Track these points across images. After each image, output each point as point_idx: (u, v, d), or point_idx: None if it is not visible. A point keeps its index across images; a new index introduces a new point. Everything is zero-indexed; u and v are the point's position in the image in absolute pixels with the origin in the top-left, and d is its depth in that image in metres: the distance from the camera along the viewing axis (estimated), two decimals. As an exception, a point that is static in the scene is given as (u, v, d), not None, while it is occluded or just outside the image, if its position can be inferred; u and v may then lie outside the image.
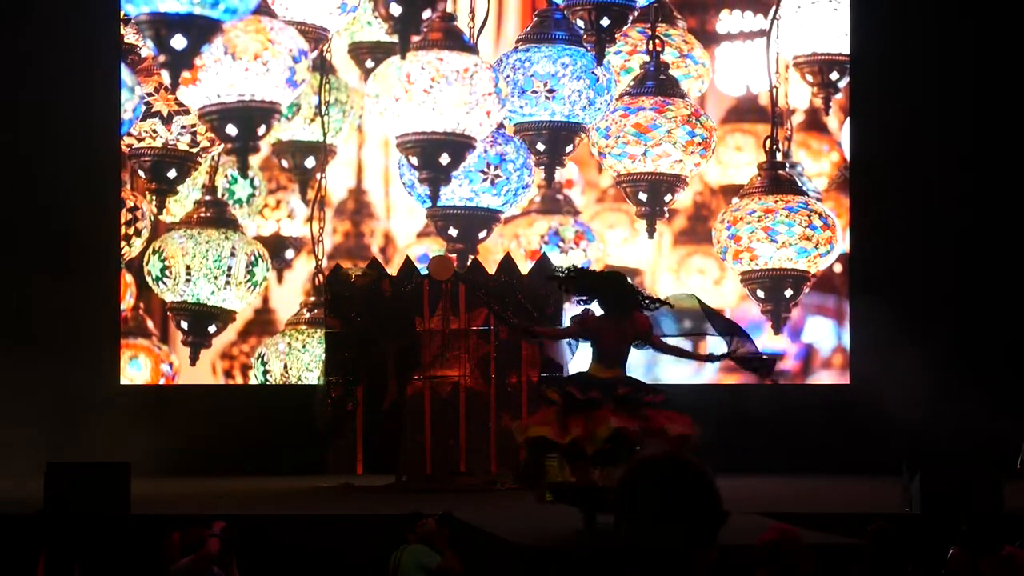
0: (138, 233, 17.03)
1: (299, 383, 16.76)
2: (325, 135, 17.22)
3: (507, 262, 15.01)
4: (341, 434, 14.72)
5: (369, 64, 17.25)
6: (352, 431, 14.70)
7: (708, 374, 17.96)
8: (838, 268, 17.60)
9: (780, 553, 6.68)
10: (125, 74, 16.47)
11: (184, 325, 16.82)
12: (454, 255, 15.84)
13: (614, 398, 10.74)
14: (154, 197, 16.85)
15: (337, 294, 14.90)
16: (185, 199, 17.09)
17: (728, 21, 18.10)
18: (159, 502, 12.82)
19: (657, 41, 16.58)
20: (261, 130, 15.90)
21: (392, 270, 15.15)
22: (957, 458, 14.18)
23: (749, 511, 11.98)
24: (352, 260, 16.82)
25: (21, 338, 16.27)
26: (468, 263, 15.46)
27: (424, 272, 14.85)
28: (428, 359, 14.61)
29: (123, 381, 17.06)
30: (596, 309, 11.20)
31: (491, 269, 15.05)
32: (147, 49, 15.85)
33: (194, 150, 16.65)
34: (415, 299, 14.68)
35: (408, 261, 15.20)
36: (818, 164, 18.14)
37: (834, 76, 17.40)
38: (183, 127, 16.55)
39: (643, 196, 16.44)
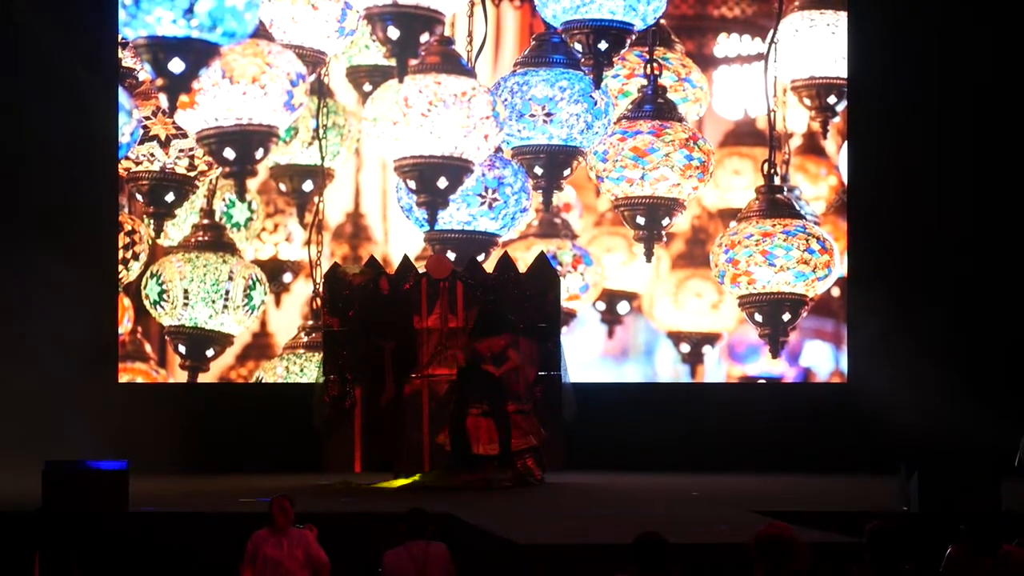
0: (136, 257, 17.02)
1: (297, 382, 16.84)
2: (323, 158, 17.23)
3: (505, 260, 15.07)
4: (339, 432, 14.72)
5: (367, 87, 17.28)
6: (350, 429, 14.71)
7: (708, 374, 17.95)
8: (836, 292, 17.61)
9: (774, 550, 6.70)
10: (123, 98, 16.47)
11: (182, 349, 16.82)
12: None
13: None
14: (152, 221, 16.86)
15: (335, 292, 14.93)
16: (183, 223, 17.09)
17: (726, 45, 18.13)
18: (157, 500, 12.84)
19: (655, 65, 16.59)
20: (259, 153, 15.90)
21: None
22: (955, 457, 14.20)
23: (746, 509, 12.02)
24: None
25: (20, 347, 16.31)
26: (466, 261, 15.46)
27: (422, 270, 14.91)
28: (426, 357, 14.63)
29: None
30: None
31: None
32: (145, 73, 15.86)
33: (192, 174, 16.67)
34: (413, 297, 14.72)
35: (406, 259, 15.21)
36: (816, 188, 18.15)
37: (832, 100, 17.42)
38: (181, 151, 16.56)
39: (641, 220, 16.44)
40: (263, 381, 17.19)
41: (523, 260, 17.28)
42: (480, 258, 16.11)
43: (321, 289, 15.95)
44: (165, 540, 11.57)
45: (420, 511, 10.05)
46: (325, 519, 11.28)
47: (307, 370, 16.86)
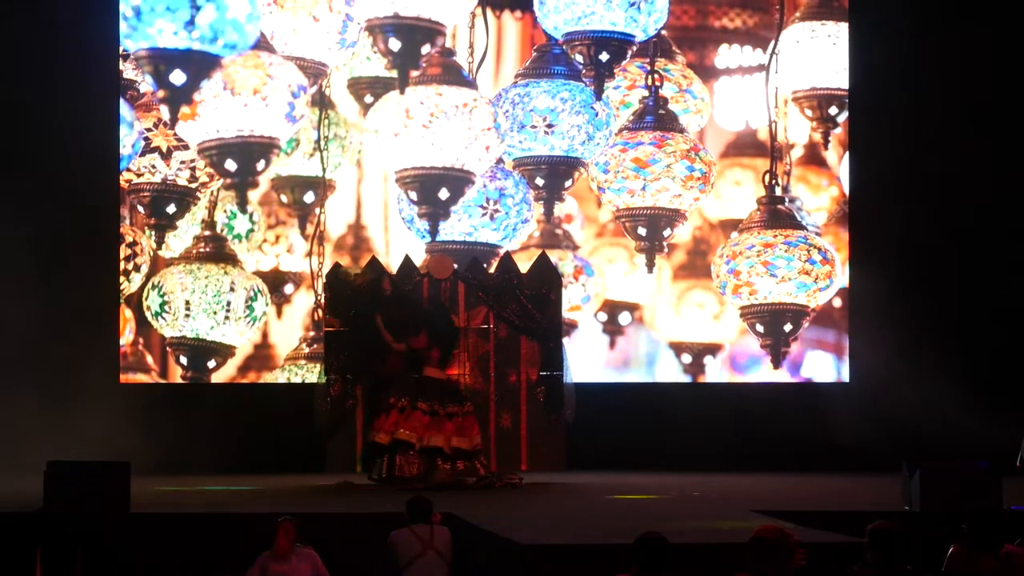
0: (137, 268, 17.04)
1: (298, 382, 16.89)
2: (324, 170, 17.25)
3: (506, 261, 15.10)
4: (340, 432, 14.75)
5: (368, 99, 17.29)
6: (351, 429, 14.73)
7: (708, 372, 17.94)
8: (837, 302, 17.61)
9: (770, 551, 6.71)
10: (124, 109, 16.50)
11: (183, 360, 16.83)
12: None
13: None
14: (153, 232, 16.88)
15: (337, 293, 14.95)
16: (184, 234, 17.10)
17: (727, 56, 18.13)
18: (159, 501, 12.85)
19: (656, 76, 16.62)
20: (260, 165, 15.92)
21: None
22: (957, 456, 14.20)
23: (747, 509, 12.02)
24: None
25: (22, 351, 16.35)
26: (468, 262, 15.49)
27: (424, 271, 14.94)
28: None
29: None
30: None
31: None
32: (146, 84, 15.88)
33: (193, 185, 16.69)
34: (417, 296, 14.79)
35: (408, 259, 15.22)
36: (817, 198, 18.15)
37: (833, 111, 17.43)
38: (182, 162, 16.59)
39: (642, 231, 16.46)
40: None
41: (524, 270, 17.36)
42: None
43: (322, 289, 15.97)
44: (167, 541, 11.56)
45: (422, 498, 10.22)
46: (323, 520, 11.36)
47: (308, 381, 16.85)
